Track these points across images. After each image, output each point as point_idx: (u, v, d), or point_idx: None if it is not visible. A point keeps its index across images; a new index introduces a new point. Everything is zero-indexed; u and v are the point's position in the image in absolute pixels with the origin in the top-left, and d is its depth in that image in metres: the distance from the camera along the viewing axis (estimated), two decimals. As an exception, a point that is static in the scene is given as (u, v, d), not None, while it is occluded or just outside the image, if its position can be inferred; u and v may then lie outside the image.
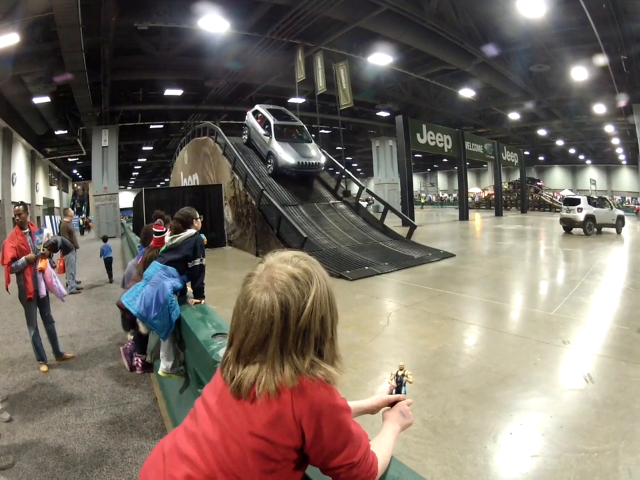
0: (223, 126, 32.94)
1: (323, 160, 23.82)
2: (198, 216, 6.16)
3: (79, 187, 65.28)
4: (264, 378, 1.50)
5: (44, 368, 6.76)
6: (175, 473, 1.55)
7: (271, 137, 22.97)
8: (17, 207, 6.88)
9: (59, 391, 6.10)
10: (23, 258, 6.53)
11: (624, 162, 62.59)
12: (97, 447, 4.66)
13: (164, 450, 1.66)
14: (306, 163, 22.39)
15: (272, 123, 23.36)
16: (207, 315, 5.22)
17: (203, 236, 6.23)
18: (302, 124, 25.30)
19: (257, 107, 25.77)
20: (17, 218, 6.83)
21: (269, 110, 25.01)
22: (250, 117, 25.70)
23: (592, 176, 66.28)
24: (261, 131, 23.94)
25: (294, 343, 1.51)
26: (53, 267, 7.48)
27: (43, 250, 6.97)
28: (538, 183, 58.75)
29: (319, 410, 1.51)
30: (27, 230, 6.87)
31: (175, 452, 1.61)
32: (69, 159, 49.40)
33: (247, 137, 25.98)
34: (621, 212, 27.91)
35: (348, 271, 14.52)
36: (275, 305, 1.48)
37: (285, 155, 22.11)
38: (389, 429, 1.89)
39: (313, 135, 25.98)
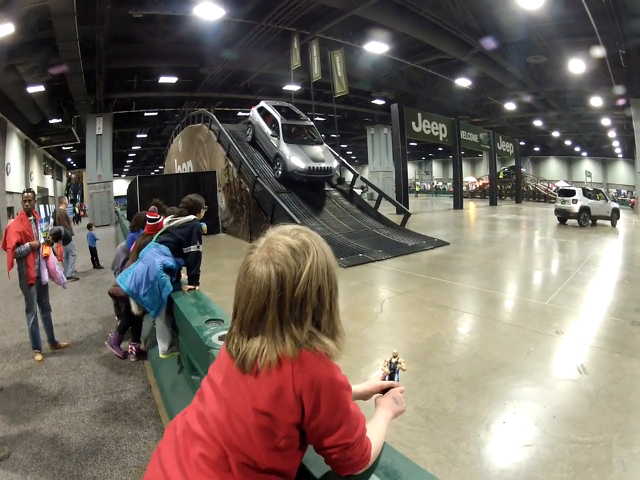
0: (217, 113, 32.77)
1: (335, 164, 22.49)
2: (205, 206, 6.28)
3: (73, 176, 65.17)
4: (266, 348, 1.53)
5: (39, 357, 6.76)
6: (189, 454, 1.58)
7: (279, 138, 21.51)
8: (27, 193, 6.92)
9: (54, 379, 6.11)
10: (27, 244, 6.54)
11: (620, 155, 62.49)
12: (91, 436, 4.68)
13: (177, 431, 1.69)
14: (317, 167, 20.91)
15: (280, 122, 21.92)
16: (201, 301, 5.28)
17: (203, 224, 6.27)
18: (311, 123, 24.10)
19: (262, 103, 24.29)
20: (27, 204, 6.85)
21: (275, 107, 23.65)
22: (255, 114, 24.10)
23: (587, 168, 66.07)
24: (268, 131, 22.47)
25: (291, 312, 1.53)
26: (55, 255, 7.53)
27: (49, 237, 7.01)
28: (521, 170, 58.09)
29: (319, 385, 1.53)
30: (32, 217, 6.88)
31: (187, 432, 1.64)
32: (63, 148, 49.15)
33: (251, 136, 24.36)
34: (616, 205, 28.05)
35: (342, 258, 14.55)
36: (272, 274, 1.51)
37: (295, 158, 20.61)
38: (381, 414, 1.91)
39: (324, 136, 24.91)
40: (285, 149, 21.01)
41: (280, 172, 21.32)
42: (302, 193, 21.18)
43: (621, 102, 31.29)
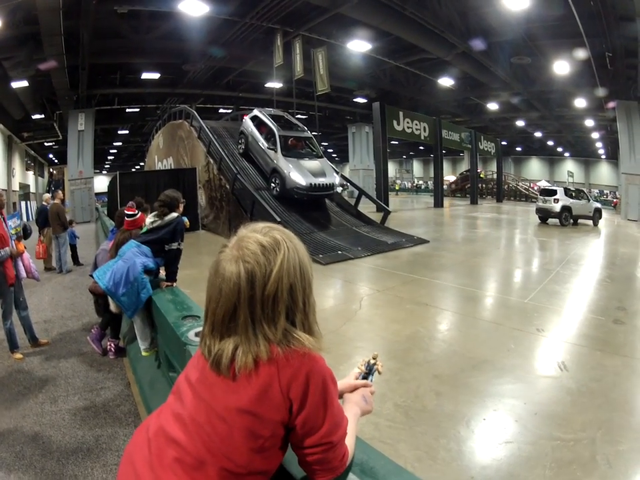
0: (199, 110, 32.68)
1: (337, 180, 20.80)
2: (182, 200, 6.22)
3: (54, 172, 64.79)
4: (240, 351, 1.51)
5: (18, 355, 6.70)
6: (162, 458, 1.53)
7: (276, 151, 19.88)
8: (0, 190, 6.84)
9: (34, 377, 6.08)
10: (7, 249, 6.37)
11: (603, 156, 63.09)
12: (72, 434, 4.67)
13: (149, 433, 1.63)
14: (319, 184, 19.24)
15: (277, 134, 20.29)
16: (178, 297, 5.31)
17: (185, 219, 6.24)
18: (310, 134, 22.64)
19: (256, 111, 22.59)
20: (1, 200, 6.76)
21: (271, 116, 21.98)
22: (247, 124, 22.43)
23: (570, 168, 66.58)
24: (263, 143, 20.87)
25: (263, 311, 1.50)
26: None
27: (20, 233, 6.95)
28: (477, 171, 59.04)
29: (307, 377, 1.52)
30: (0, 217, 6.75)
31: (161, 435, 1.59)
32: (45, 144, 48.60)
33: (243, 147, 22.71)
34: (598, 204, 28.31)
35: (321, 256, 14.61)
36: (241, 273, 1.49)
37: (295, 174, 18.95)
38: (351, 412, 1.87)
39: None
40: (284, 164, 19.45)
41: (278, 189, 19.80)
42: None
43: (610, 105, 31.37)
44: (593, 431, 4.76)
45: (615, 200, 48.88)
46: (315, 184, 19.06)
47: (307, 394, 1.52)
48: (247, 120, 22.76)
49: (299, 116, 34.28)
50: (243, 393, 1.50)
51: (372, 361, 2.11)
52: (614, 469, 4.17)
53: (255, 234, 1.57)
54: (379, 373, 2.09)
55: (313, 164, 20.32)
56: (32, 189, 49.62)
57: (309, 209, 19.91)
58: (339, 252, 15.42)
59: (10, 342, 6.74)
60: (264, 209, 17.21)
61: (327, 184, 19.64)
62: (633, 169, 29.72)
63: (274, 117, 22.11)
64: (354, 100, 42.91)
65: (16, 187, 39.99)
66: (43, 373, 6.22)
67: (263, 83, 36.33)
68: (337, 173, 22.01)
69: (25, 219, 34.50)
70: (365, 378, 2.06)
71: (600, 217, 27.39)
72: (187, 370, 1.74)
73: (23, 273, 6.89)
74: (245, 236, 1.57)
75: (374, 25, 24.87)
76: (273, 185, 20.20)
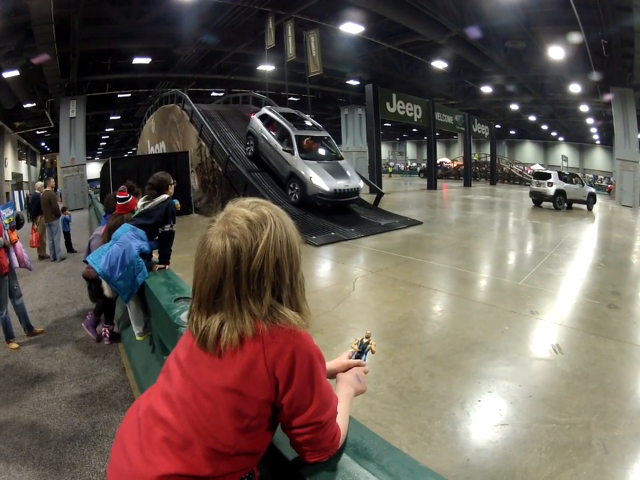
0: (191, 93, 32.54)
1: (360, 183, 19.24)
2: (172, 181, 6.16)
3: (47, 160, 64.51)
4: (226, 327, 1.50)
5: (14, 345, 6.68)
6: (151, 438, 1.52)
7: (292, 154, 18.18)
8: None
9: (30, 366, 6.06)
10: (1, 239, 6.40)
11: (598, 142, 62.94)
12: (68, 422, 4.67)
13: (139, 413, 1.62)
14: (343, 190, 17.70)
15: (292, 134, 18.62)
16: (170, 280, 5.28)
17: (176, 201, 6.24)
18: (327, 134, 21.22)
19: (265, 110, 21.09)
20: None
21: (282, 114, 20.40)
22: (256, 124, 20.69)
23: (564, 153, 66.57)
24: (276, 144, 19.10)
25: (248, 286, 1.49)
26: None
27: (14, 222, 6.94)
28: (445, 163, 61.46)
29: (293, 354, 1.50)
30: None
31: (150, 414, 1.58)
32: (37, 132, 48.35)
33: (252, 150, 20.99)
34: (592, 189, 28.37)
35: (314, 237, 14.63)
36: (227, 247, 1.47)
37: (317, 179, 17.30)
38: (344, 391, 1.87)
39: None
40: (304, 168, 17.75)
41: (297, 196, 18.07)
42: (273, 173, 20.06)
43: (607, 97, 31.26)
44: (588, 416, 4.78)
45: (609, 185, 48.94)
46: (340, 190, 17.63)
47: (293, 372, 1.51)
48: (255, 119, 21.09)
49: (291, 98, 34.09)
50: (228, 371, 1.49)
51: (365, 340, 2.09)
52: (610, 455, 4.17)
53: (243, 209, 1.55)
54: (372, 352, 2.07)
55: (335, 166, 18.86)
56: (25, 178, 49.33)
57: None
58: (332, 233, 15.43)
59: (5, 332, 6.72)
60: (257, 191, 16.98)
61: (352, 189, 18.20)
62: (627, 155, 29.78)
63: (285, 115, 20.58)
64: (346, 82, 42.57)
65: (9, 176, 39.81)
66: (38, 362, 6.20)
67: (255, 66, 36.24)
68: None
69: (18, 208, 34.37)
70: (358, 357, 2.05)
71: (594, 202, 27.46)
72: (176, 349, 1.73)
73: (16, 263, 6.87)
74: (233, 211, 1.56)
75: (367, 7, 24.65)
76: (290, 191, 18.55)
